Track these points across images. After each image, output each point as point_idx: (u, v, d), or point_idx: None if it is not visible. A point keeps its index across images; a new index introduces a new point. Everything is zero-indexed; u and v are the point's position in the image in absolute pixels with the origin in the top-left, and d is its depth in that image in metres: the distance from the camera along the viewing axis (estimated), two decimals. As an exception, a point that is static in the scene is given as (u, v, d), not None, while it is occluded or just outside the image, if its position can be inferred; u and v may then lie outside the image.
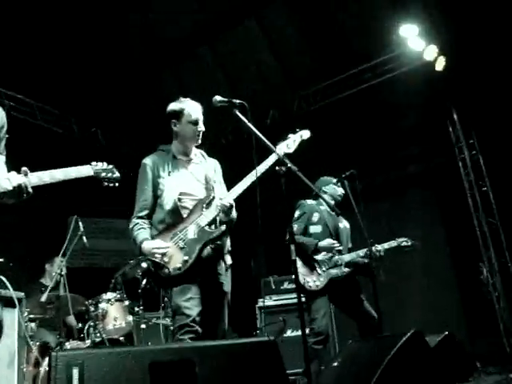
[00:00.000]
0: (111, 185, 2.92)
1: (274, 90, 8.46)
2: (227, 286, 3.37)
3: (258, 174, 3.23)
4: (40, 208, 8.26)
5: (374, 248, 4.50)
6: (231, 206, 3.29)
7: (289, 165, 2.98)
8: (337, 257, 4.57)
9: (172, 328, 3.24)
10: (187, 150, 3.54)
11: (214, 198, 3.38)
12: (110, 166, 2.93)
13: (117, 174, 2.94)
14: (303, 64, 8.16)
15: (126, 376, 1.65)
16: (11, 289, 3.62)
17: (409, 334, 2.80)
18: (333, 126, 7.91)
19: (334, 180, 4.87)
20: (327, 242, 4.57)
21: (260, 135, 3.09)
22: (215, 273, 3.32)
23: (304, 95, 8.27)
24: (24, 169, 2.48)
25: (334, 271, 4.52)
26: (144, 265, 5.20)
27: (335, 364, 3.26)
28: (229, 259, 3.43)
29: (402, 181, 7.58)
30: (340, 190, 4.84)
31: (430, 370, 2.77)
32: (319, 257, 4.58)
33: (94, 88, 8.32)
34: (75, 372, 1.57)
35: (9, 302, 3.63)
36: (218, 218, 3.33)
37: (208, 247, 3.26)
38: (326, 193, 4.81)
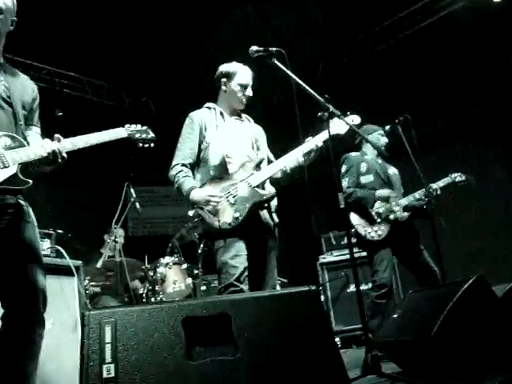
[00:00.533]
0: (146, 145, 2.88)
1: (322, 42, 8.19)
2: (274, 244, 3.36)
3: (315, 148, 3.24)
4: (99, 182, 8.49)
5: (429, 188, 4.35)
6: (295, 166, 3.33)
7: (331, 109, 2.84)
8: (393, 202, 4.40)
9: (218, 287, 3.18)
10: (232, 111, 3.53)
11: (263, 159, 3.37)
12: (145, 127, 2.88)
13: (151, 135, 2.89)
14: (349, 10, 7.81)
15: (159, 332, 1.60)
16: (68, 258, 3.70)
17: (471, 280, 2.63)
18: (385, 72, 7.60)
19: (380, 129, 4.69)
20: (384, 191, 4.44)
21: (303, 84, 2.98)
22: (263, 231, 3.30)
23: (355, 43, 7.97)
24: (57, 135, 2.47)
25: (392, 217, 4.35)
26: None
27: (395, 315, 3.14)
28: (275, 218, 3.39)
29: (461, 126, 7.18)
30: (383, 140, 4.67)
31: (497, 320, 2.60)
32: (376, 206, 4.42)
33: (141, 58, 8.31)
34: (108, 330, 1.53)
35: (67, 271, 3.71)
36: (266, 184, 3.33)
37: (257, 207, 3.23)
38: (368, 142, 4.62)
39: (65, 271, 3.74)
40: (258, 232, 3.27)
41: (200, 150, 3.37)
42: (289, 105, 3.38)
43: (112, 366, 1.48)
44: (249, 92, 3.46)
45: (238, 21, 8.20)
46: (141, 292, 5.28)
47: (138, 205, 4.69)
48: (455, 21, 6.90)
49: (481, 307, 2.63)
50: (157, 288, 5.05)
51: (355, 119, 3.50)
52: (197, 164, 3.38)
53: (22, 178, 2.33)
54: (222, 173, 3.27)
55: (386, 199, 4.40)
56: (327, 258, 6.39)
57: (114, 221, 4.61)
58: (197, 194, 3.18)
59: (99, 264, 4.73)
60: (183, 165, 3.33)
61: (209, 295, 5.34)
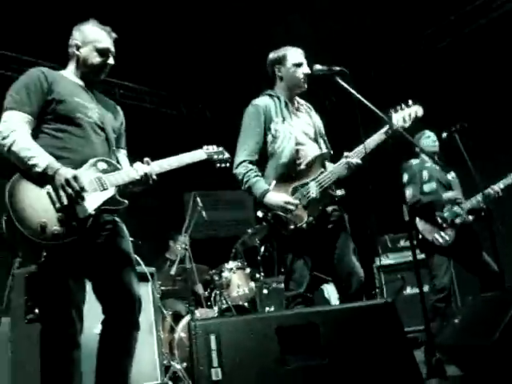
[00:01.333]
0: (223, 165, 3.02)
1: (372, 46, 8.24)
2: (348, 235, 3.24)
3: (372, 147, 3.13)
4: (156, 187, 8.80)
5: (490, 190, 4.41)
6: (358, 165, 3.14)
7: (395, 127, 2.93)
8: (457, 206, 4.46)
9: (285, 294, 3.11)
10: (292, 98, 3.39)
11: (330, 154, 3.27)
12: (221, 148, 3.02)
13: (227, 155, 3.03)
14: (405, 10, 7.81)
15: (256, 340, 1.82)
16: (143, 265, 3.98)
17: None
18: (441, 75, 7.57)
19: (425, 133, 4.73)
20: (451, 194, 4.49)
21: (366, 102, 2.99)
22: (335, 225, 3.20)
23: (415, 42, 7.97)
24: (146, 159, 2.72)
25: (458, 221, 4.42)
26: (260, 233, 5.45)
27: (456, 321, 3.25)
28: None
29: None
30: (430, 140, 4.69)
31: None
32: (444, 210, 4.49)
33: (196, 66, 8.56)
34: (213, 338, 1.77)
35: (143, 278, 3.98)
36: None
37: (329, 208, 3.17)
38: (421, 150, 4.69)
39: (140, 277, 4.03)
40: (329, 226, 3.19)
41: (265, 142, 3.23)
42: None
43: (219, 369, 1.72)
44: (306, 69, 3.29)
45: (288, 28, 8.40)
46: (204, 295, 5.51)
47: (204, 213, 4.94)
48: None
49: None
50: (222, 291, 5.28)
51: (418, 111, 3.35)
52: (262, 158, 3.25)
53: (119, 199, 2.59)
54: (291, 171, 3.16)
55: (454, 201, 4.45)
56: (384, 260, 6.45)
57: (183, 229, 4.87)
58: (272, 199, 3.06)
59: (173, 271, 5.01)
60: (250, 162, 3.20)
61: (270, 298, 5.54)
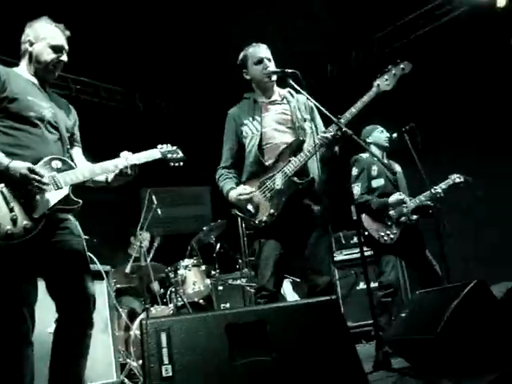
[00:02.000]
0: (176, 164, 3.05)
1: (329, 44, 8.38)
2: (322, 231, 3.22)
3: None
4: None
5: (433, 190, 4.54)
6: (334, 137, 3.07)
7: (343, 129, 2.99)
8: (403, 205, 4.56)
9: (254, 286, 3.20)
10: (268, 92, 3.44)
11: (303, 141, 3.23)
12: (175, 147, 3.04)
13: (181, 155, 3.05)
14: (358, 15, 7.99)
15: (206, 337, 1.88)
16: (98, 263, 3.97)
17: (472, 283, 2.88)
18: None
19: (377, 127, 4.84)
20: (395, 198, 4.56)
21: (317, 104, 3.07)
22: (306, 222, 3.19)
23: (361, 46, 8.17)
24: (125, 153, 2.81)
25: (403, 220, 4.53)
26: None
27: (404, 314, 3.38)
28: (318, 207, 3.25)
29: (464, 131, 7.34)
30: (384, 135, 4.79)
31: (496, 322, 2.83)
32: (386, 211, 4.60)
33: (152, 61, 8.51)
34: (163, 336, 1.82)
35: (98, 275, 3.97)
36: (308, 165, 3.18)
37: (296, 198, 3.14)
38: (371, 143, 4.80)
39: (95, 275, 4.01)
40: (301, 221, 3.17)
41: (242, 145, 3.33)
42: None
43: (169, 366, 1.77)
44: (267, 64, 3.33)
45: (250, 24, 8.43)
46: (160, 293, 5.53)
47: (159, 211, 4.96)
48: (459, 25, 7.09)
49: (481, 309, 2.87)
50: (177, 289, 5.31)
51: (406, 67, 3.35)
52: (241, 161, 3.34)
53: (73, 198, 2.60)
54: (258, 168, 3.23)
55: (399, 205, 4.55)
56: (337, 256, 6.60)
57: (138, 226, 4.87)
58: (232, 195, 3.19)
59: (128, 269, 5.01)
60: (224, 167, 3.37)
61: (225, 294, 5.60)
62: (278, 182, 3.12)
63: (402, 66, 3.34)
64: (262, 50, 3.41)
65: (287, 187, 3.11)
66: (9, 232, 2.35)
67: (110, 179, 2.83)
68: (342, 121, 3.07)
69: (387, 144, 4.78)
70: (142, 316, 4.89)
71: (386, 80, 3.27)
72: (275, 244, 3.13)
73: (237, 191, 3.18)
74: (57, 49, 2.74)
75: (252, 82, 3.47)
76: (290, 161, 3.14)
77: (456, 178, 4.72)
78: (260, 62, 3.36)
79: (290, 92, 3.48)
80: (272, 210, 3.09)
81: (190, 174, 8.33)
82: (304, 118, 3.36)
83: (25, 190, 2.44)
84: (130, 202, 9.25)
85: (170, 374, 1.76)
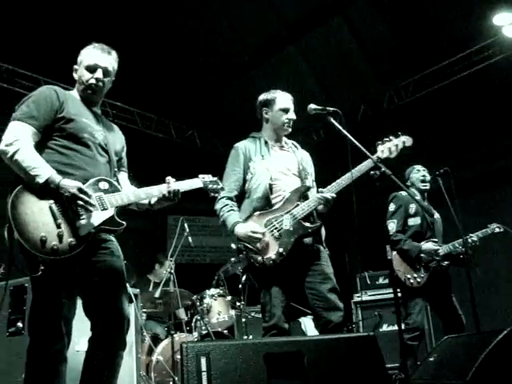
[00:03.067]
0: (216, 195, 3.12)
1: (364, 85, 8.49)
2: (328, 269, 3.27)
3: (354, 178, 3.20)
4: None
5: (468, 238, 4.51)
6: (333, 198, 3.21)
7: (383, 169, 3.02)
8: (434, 251, 4.54)
9: (263, 325, 3.20)
10: (278, 138, 3.54)
11: (309, 188, 3.34)
12: (215, 178, 3.11)
13: (221, 185, 3.11)
14: (392, 57, 8.11)
15: (245, 364, 1.91)
16: (128, 286, 4.01)
17: (506, 330, 2.84)
18: (425, 119, 7.83)
19: (416, 167, 4.84)
20: (429, 246, 4.54)
21: (356, 142, 3.10)
22: (311, 258, 3.25)
23: (394, 89, 8.27)
24: (168, 178, 2.88)
25: (433, 265, 4.51)
26: (242, 262, 5.52)
27: (431, 359, 3.34)
28: (325, 248, 3.37)
29: (499, 175, 7.34)
30: (420, 175, 4.77)
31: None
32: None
33: (187, 91, 8.71)
34: (203, 360, 1.85)
35: (126, 298, 4.00)
36: (314, 211, 3.27)
37: (303, 240, 3.20)
38: (409, 187, 4.81)
39: (125, 298, 4.06)
40: (305, 261, 3.24)
41: (245, 180, 3.38)
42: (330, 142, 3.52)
43: (209, 390, 1.80)
44: (291, 115, 3.46)
45: (283, 59, 8.62)
46: (185, 320, 5.54)
47: (190, 239, 5.01)
48: (495, 72, 7.16)
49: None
50: (203, 317, 5.32)
51: (407, 141, 3.42)
52: (243, 195, 3.39)
53: (117, 220, 2.66)
54: (265, 205, 3.28)
55: (431, 255, 4.51)
56: (362, 296, 6.54)
57: (169, 253, 4.93)
58: (240, 230, 3.18)
59: (157, 294, 5.05)
60: (228, 198, 3.36)
61: (248, 327, 5.58)
62: (287, 222, 3.19)
63: (403, 138, 3.42)
64: (290, 100, 3.54)
65: (296, 229, 3.19)
66: (54, 248, 2.40)
67: (152, 202, 2.90)
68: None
69: (424, 187, 4.76)
70: (166, 342, 4.89)
71: (389, 149, 3.34)
72: (282, 283, 3.17)
73: (247, 227, 3.19)
74: (91, 68, 2.81)
75: (267, 123, 3.55)
76: (297, 204, 3.23)
77: (496, 227, 4.68)
78: (287, 111, 3.48)
79: (294, 144, 3.63)
80: (281, 250, 3.14)
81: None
82: (308, 171, 3.49)
83: (72, 208, 2.51)
84: (156, 229, 9.38)
85: (209, 397, 1.79)
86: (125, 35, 7.19)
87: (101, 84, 2.83)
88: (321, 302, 3.15)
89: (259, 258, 3.16)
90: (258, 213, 3.28)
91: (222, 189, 3.13)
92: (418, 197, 4.74)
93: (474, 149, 7.46)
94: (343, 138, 3.18)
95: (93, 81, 2.80)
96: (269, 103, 3.52)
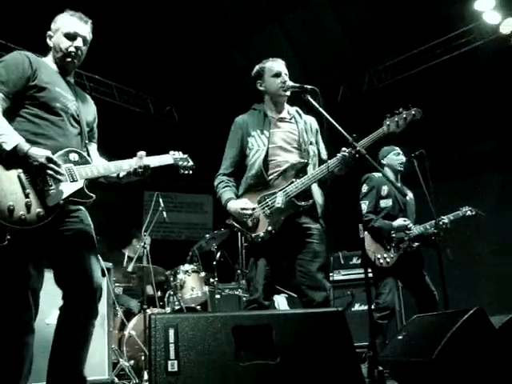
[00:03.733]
0: (186, 172, 3.11)
1: (344, 67, 8.48)
2: (319, 247, 3.22)
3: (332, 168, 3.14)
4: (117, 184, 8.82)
5: (440, 220, 4.57)
6: (353, 155, 3.05)
7: (358, 149, 3.02)
8: (404, 232, 4.59)
9: (246, 298, 3.26)
10: (278, 107, 3.47)
11: (307, 164, 3.27)
12: (186, 156, 3.11)
13: (191, 163, 3.11)
14: (373, 39, 8.10)
15: (213, 337, 1.91)
16: (101, 260, 3.99)
17: (471, 310, 2.90)
18: (404, 102, 7.85)
19: (395, 149, 4.86)
20: (400, 223, 4.59)
21: (333, 121, 3.06)
22: (301, 235, 3.21)
23: (374, 71, 8.28)
24: (141, 153, 2.84)
25: (403, 246, 4.57)
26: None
27: (400, 337, 3.40)
28: (322, 223, 3.30)
29: (476, 159, 7.42)
30: (399, 159, 4.80)
31: (494, 351, 2.85)
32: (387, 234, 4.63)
33: (167, 67, 8.61)
34: (171, 332, 1.85)
35: (99, 272, 3.99)
36: (312, 188, 3.23)
37: (294, 218, 3.18)
38: (385, 165, 4.84)
39: (97, 271, 4.05)
40: (296, 238, 3.20)
41: (245, 156, 3.36)
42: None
43: (175, 362, 1.80)
44: (284, 78, 3.37)
45: (264, 38, 8.55)
46: (153, 296, 5.53)
47: (165, 214, 4.99)
48: (475, 57, 7.20)
49: (479, 336, 2.89)
50: (176, 293, 5.34)
51: (417, 114, 3.30)
52: (244, 170, 3.37)
53: (86, 192, 2.62)
54: (259, 182, 3.26)
55: (403, 230, 4.57)
56: (335, 276, 6.62)
57: (143, 228, 4.91)
58: (232, 206, 3.21)
59: (130, 268, 5.04)
60: (224, 174, 3.39)
61: (221, 303, 5.62)
62: (279, 200, 3.16)
63: (413, 112, 3.30)
64: (280, 65, 3.46)
65: (288, 207, 3.16)
66: (22, 217, 2.36)
67: (121, 175, 2.87)
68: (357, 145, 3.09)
69: (401, 168, 4.81)
70: (138, 317, 4.90)
71: (397, 122, 3.23)
72: (269, 260, 3.18)
73: (238, 204, 3.20)
74: (70, 36, 2.76)
75: (265, 94, 3.49)
76: (292, 181, 3.20)
77: (468, 211, 4.75)
78: (278, 75, 3.40)
79: (297, 112, 3.54)
80: (270, 228, 3.14)
81: (192, 182, 8.49)
82: (310, 140, 3.40)
83: (41, 177, 2.47)
84: (132, 205, 9.33)
85: (176, 369, 1.79)
86: (103, 6, 7.06)
87: (80, 52, 2.80)
88: (307, 280, 3.15)
89: (248, 235, 3.18)
90: (250, 189, 3.28)
91: (193, 166, 3.12)
92: (392, 178, 4.76)
93: (451, 133, 7.52)
94: (321, 116, 3.18)
95: (72, 49, 2.76)
96: (260, 74, 3.47)
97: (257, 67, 3.52)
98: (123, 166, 2.78)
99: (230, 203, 3.24)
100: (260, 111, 3.47)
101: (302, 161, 3.27)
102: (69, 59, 2.78)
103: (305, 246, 3.20)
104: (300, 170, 3.23)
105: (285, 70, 3.44)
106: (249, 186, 3.30)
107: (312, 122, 3.52)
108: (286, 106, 3.52)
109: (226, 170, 3.40)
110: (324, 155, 3.46)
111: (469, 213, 4.77)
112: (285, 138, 3.37)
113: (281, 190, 3.19)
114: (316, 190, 3.31)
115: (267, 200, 3.20)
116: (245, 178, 3.35)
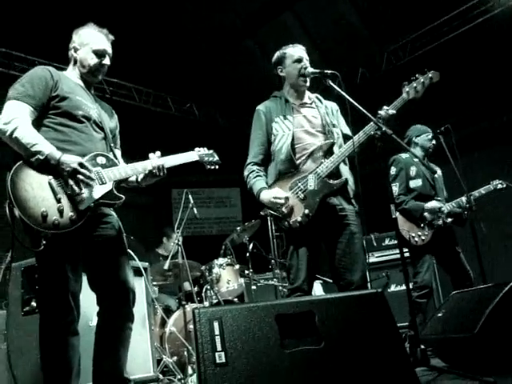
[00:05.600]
0: (212, 167, 3.16)
1: (361, 48, 8.43)
2: (355, 229, 3.20)
3: (359, 143, 3.13)
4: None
5: (471, 196, 4.51)
6: (392, 115, 3.12)
7: (383, 129, 3.02)
8: (438, 214, 4.54)
9: (287, 286, 3.23)
10: (299, 94, 3.45)
11: (333, 143, 3.25)
12: (211, 151, 3.17)
13: (216, 158, 3.17)
14: (387, 18, 8.01)
15: (257, 326, 1.95)
16: (137, 260, 4.06)
17: (511, 283, 2.89)
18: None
19: (429, 132, 4.80)
20: (433, 205, 4.55)
21: (356, 104, 3.07)
22: (338, 219, 3.17)
23: (392, 50, 8.20)
24: (158, 153, 2.89)
25: (437, 223, 4.52)
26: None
27: (440, 315, 3.39)
28: (355, 204, 3.29)
29: (501, 131, 7.30)
30: (431, 143, 4.76)
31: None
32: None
33: (183, 64, 8.66)
34: (216, 324, 1.89)
35: (136, 272, 4.05)
36: (340, 168, 3.22)
37: (329, 200, 3.15)
38: (417, 144, 4.79)
39: (134, 272, 4.11)
40: (333, 221, 3.16)
41: (270, 143, 3.33)
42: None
43: (222, 353, 1.84)
44: (305, 64, 3.35)
45: (279, 28, 8.52)
46: (192, 292, 5.59)
47: (195, 210, 5.03)
48: (494, 26, 7.07)
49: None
50: (212, 287, 5.39)
51: (434, 76, 3.30)
52: (269, 158, 3.35)
53: (116, 193, 2.69)
54: (289, 167, 3.23)
55: (435, 213, 4.52)
56: (369, 258, 6.58)
57: (175, 225, 4.96)
58: (265, 197, 3.17)
59: (166, 265, 5.11)
60: (255, 163, 3.34)
61: (258, 294, 5.66)
62: (311, 182, 3.14)
63: (430, 75, 3.29)
64: (301, 51, 3.43)
65: (321, 188, 3.13)
66: (56, 222, 2.43)
67: (139, 179, 2.93)
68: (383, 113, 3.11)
69: (430, 151, 4.78)
70: (178, 313, 4.96)
71: (415, 88, 3.22)
72: (309, 245, 3.15)
73: (270, 193, 3.16)
74: (99, 53, 2.86)
75: (286, 80, 3.46)
76: (322, 162, 3.17)
77: (498, 184, 4.71)
78: (299, 60, 3.37)
79: (318, 98, 3.53)
80: (307, 211, 3.10)
81: (219, 177, 8.54)
82: (333, 123, 3.39)
83: (73, 183, 2.53)
84: (161, 204, 9.44)
85: (224, 360, 1.83)
86: (117, 12, 7.14)
87: (106, 68, 2.91)
88: (346, 263, 3.12)
89: (286, 223, 3.13)
90: (281, 176, 3.24)
91: (219, 161, 3.16)
92: (420, 156, 4.72)
93: (475, 106, 7.40)
94: (343, 100, 3.17)
95: (101, 67, 2.88)
96: (281, 60, 3.44)
97: (277, 53, 3.48)
98: (138, 169, 2.82)
99: (263, 194, 3.20)
100: (281, 97, 3.45)
101: (328, 141, 3.25)
102: (96, 75, 2.89)
103: (342, 227, 3.17)
104: (327, 151, 3.21)
105: (306, 55, 3.41)
106: (279, 172, 3.26)
107: (332, 105, 3.52)
108: (307, 93, 3.50)
109: (254, 157, 3.37)
110: (348, 132, 3.42)
111: (499, 186, 4.72)
112: (308, 122, 3.35)
113: (311, 173, 3.17)
114: (345, 169, 3.29)
115: (299, 184, 3.17)
116: (273, 164, 3.31)
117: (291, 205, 3.13)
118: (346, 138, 3.36)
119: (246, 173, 3.37)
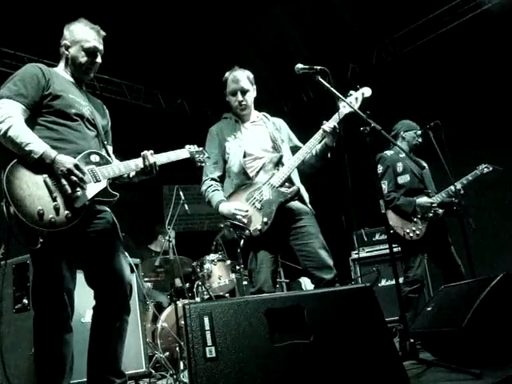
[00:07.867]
0: (202, 164, 3.23)
1: (351, 43, 8.42)
2: (313, 229, 3.33)
3: (310, 149, 3.36)
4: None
5: (459, 184, 4.60)
6: (335, 127, 3.29)
7: (372, 124, 3.06)
8: (430, 200, 4.60)
9: (251, 290, 3.36)
10: (246, 115, 3.61)
11: (281, 156, 3.42)
12: (201, 148, 3.23)
13: (206, 155, 3.23)
14: (378, 12, 8.01)
15: (247, 321, 1.98)
16: (128, 256, 4.06)
17: (498, 277, 2.92)
18: (414, 74, 7.79)
19: (418, 129, 4.86)
20: (424, 200, 4.61)
21: (345, 100, 3.13)
22: (295, 217, 3.33)
23: (382, 45, 8.22)
24: (150, 151, 2.90)
25: (429, 215, 4.56)
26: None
27: (429, 309, 3.43)
28: (311, 208, 3.43)
29: (492, 128, 7.31)
30: (417, 141, 4.83)
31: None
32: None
33: (173, 60, 8.61)
34: (206, 320, 1.92)
35: (128, 268, 4.06)
36: (292, 176, 3.39)
37: (285, 206, 3.29)
38: (404, 139, 4.85)
39: (125, 268, 4.12)
40: (291, 224, 3.32)
41: (225, 161, 3.50)
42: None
43: (213, 348, 1.87)
44: (238, 98, 3.50)
45: (268, 23, 8.50)
46: (182, 288, 5.61)
47: (186, 206, 5.04)
48: (484, 22, 7.10)
49: (507, 302, 2.91)
50: (204, 282, 5.41)
51: (366, 92, 3.47)
52: (226, 173, 3.51)
53: (110, 191, 2.70)
54: (243, 180, 3.39)
55: (427, 208, 4.58)
56: (360, 253, 6.63)
57: (167, 222, 4.97)
58: (224, 208, 3.31)
59: (157, 262, 5.13)
60: (212, 179, 3.49)
61: (249, 289, 5.66)
62: (266, 193, 3.29)
63: (362, 91, 3.47)
64: (237, 80, 3.53)
65: (276, 197, 3.28)
66: (52, 220, 2.45)
67: (131, 175, 2.94)
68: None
69: (415, 148, 4.85)
70: (170, 309, 4.98)
71: (350, 103, 3.35)
72: (268, 249, 3.29)
73: (230, 205, 3.29)
74: (90, 51, 2.85)
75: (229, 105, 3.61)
76: (273, 173, 3.35)
77: (484, 168, 4.74)
78: (234, 94, 3.53)
79: (265, 115, 3.71)
80: (265, 219, 3.23)
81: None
82: (281, 138, 3.56)
83: (67, 182, 2.53)
84: (152, 200, 9.41)
85: (214, 355, 1.86)
86: (107, 8, 7.08)
87: (97, 66, 2.92)
88: (311, 262, 3.24)
89: (246, 232, 3.26)
90: (238, 190, 3.38)
91: (208, 158, 3.27)
92: (406, 151, 4.75)
93: (464, 102, 7.43)
94: (333, 96, 3.20)
95: (92, 65, 2.88)
96: (224, 85, 3.60)
97: (224, 76, 3.62)
98: (131, 166, 2.85)
99: (222, 206, 3.34)
100: (231, 118, 3.61)
101: (277, 154, 3.43)
102: (87, 73, 2.90)
103: (299, 230, 3.31)
104: (277, 163, 3.39)
105: (242, 84, 3.52)
106: (235, 186, 3.41)
107: (280, 122, 3.71)
108: (254, 112, 3.66)
109: (211, 174, 3.50)
110: (299, 143, 3.60)
111: (486, 170, 4.78)
112: (257, 139, 3.52)
113: (265, 184, 3.33)
114: (296, 177, 3.47)
115: (255, 195, 3.32)
116: (229, 180, 3.47)
117: (249, 215, 3.27)
118: (297, 150, 3.49)
119: (203, 188, 3.51)
